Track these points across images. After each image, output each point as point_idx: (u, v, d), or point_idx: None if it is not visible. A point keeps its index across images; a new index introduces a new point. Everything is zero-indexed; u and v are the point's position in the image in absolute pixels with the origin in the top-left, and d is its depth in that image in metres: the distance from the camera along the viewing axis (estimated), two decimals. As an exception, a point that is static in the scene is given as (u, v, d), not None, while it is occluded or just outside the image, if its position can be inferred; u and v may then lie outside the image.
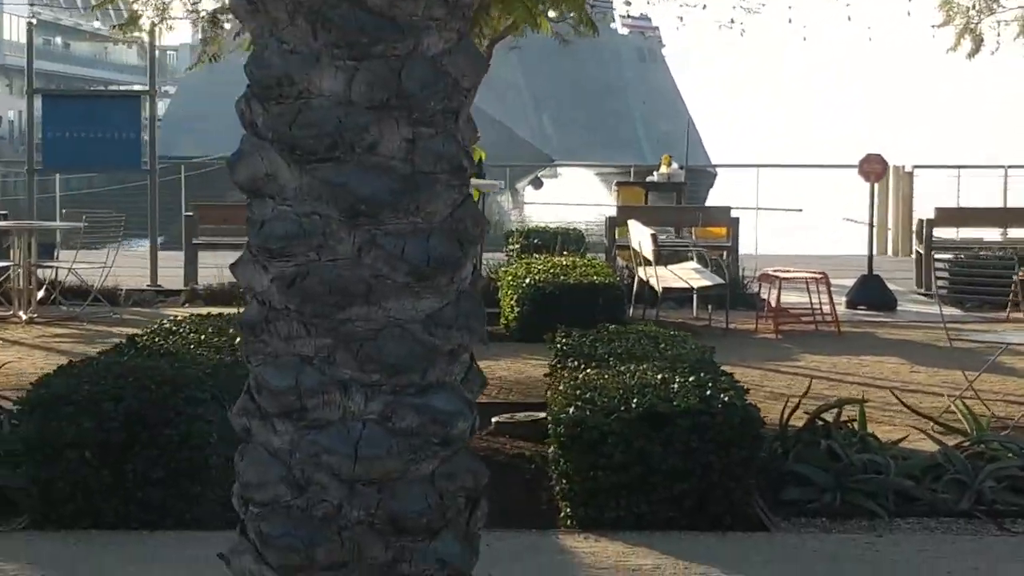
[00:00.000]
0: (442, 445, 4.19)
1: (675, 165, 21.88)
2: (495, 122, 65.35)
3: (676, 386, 7.87)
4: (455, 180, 4.21)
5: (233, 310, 15.86)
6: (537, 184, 67.76)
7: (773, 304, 15.52)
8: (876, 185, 18.78)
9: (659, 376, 8.12)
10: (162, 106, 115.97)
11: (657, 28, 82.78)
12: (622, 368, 8.54)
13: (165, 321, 10.25)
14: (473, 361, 4.33)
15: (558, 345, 10.21)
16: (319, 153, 4.11)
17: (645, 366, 8.49)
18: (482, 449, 9.82)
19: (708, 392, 7.76)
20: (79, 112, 19.68)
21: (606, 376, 8.27)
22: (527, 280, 14.67)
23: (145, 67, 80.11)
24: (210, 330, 9.59)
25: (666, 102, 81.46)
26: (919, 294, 18.91)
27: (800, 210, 36.64)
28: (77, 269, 16.38)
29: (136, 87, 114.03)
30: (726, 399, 7.69)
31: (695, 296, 15.78)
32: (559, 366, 9.53)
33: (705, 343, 10.30)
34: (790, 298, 15.94)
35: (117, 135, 19.50)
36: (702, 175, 49.67)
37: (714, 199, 41.28)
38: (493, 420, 10.39)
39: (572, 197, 51.85)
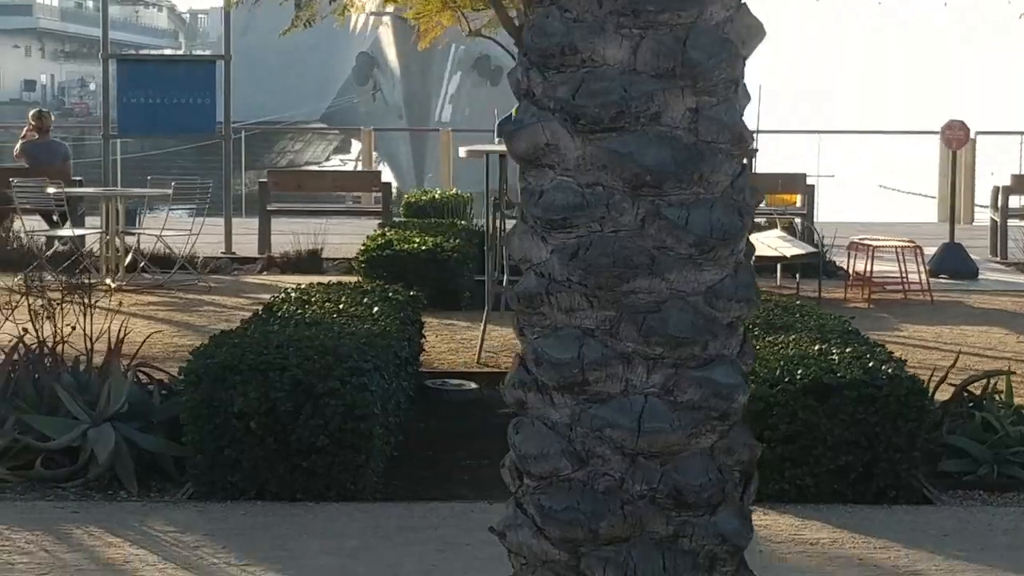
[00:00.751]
0: (721, 419, 4.15)
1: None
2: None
3: (835, 357, 7.82)
4: (735, 150, 4.16)
5: (328, 278, 15.89)
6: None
7: (863, 272, 15.43)
8: (952, 153, 18.67)
9: (816, 347, 8.07)
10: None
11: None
12: (770, 339, 8.49)
13: (289, 290, 10.21)
14: (746, 334, 4.28)
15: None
16: (603, 123, 4.05)
17: (794, 337, 8.44)
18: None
19: (871, 364, 7.70)
20: (154, 77, 19.65)
21: (758, 347, 8.20)
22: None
23: (175, 31, 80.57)
24: (343, 299, 9.57)
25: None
26: (996, 262, 18.80)
27: (832, 176, 36.48)
28: (164, 236, 16.33)
29: (167, 51, 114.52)
30: (890, 371, 7.64)
31: (779, 265, 15.71)
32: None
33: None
34: (875, 267, 15.82)
35: (192, 100, 19.47)
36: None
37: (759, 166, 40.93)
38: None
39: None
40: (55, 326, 8.53)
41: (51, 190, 16.46)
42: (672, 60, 4.05)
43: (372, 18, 62.84)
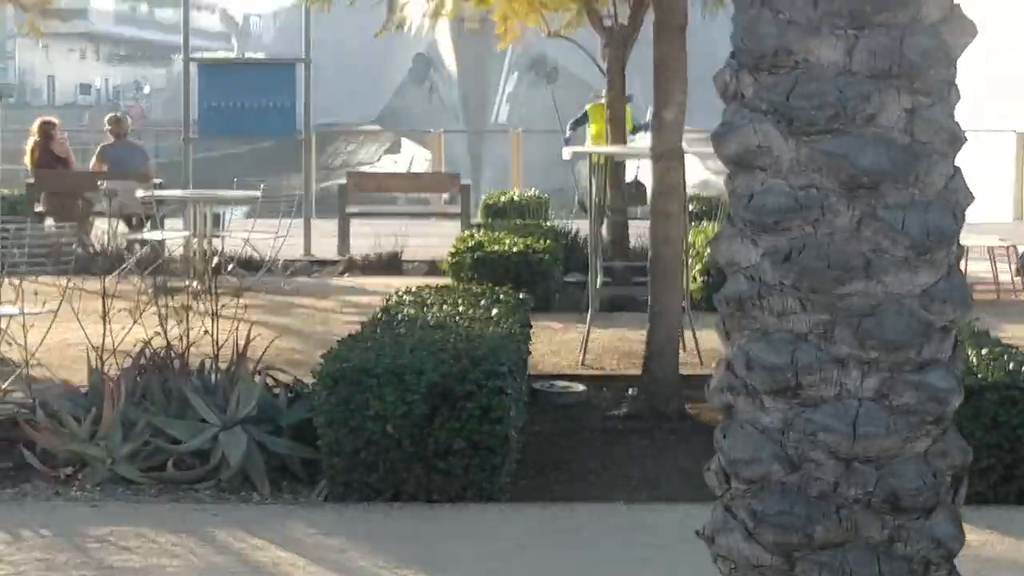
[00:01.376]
0: (936, 423, 4.11)
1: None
2: (584, 84, 64.99)
3: (974, 359, 7.75)
4: (950, 151, 4.11)
5: (412, 279, 15.91)
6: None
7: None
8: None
9: (950, 348, 7.99)
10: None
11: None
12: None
13: (402, 292, 10.21)
14: (957, 337, 4.23)
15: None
16: (818, 124, 4.02)
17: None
18: (716, 423, 9.75)
19: (1010, 365, 7.64)
20: (235, 81, 19.71)
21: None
22: (708, 249, 14.53)
23: (227, 33, 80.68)
24: (460, 301, 9.55)
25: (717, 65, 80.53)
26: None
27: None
28: (251, 239, 16.37)
29: (220, 53, 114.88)
30: (1031, 373, 7.58)
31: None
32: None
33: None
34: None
35: (272, 103, 19.51)
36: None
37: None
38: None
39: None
40: (182, 330, 8.53)
41: (140, 193, 16.51)
42: (888, 61, 4.01)
43: (428, 18, 62.97)
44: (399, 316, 9.01)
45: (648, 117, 19.17)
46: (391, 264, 18.30)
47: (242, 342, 8.63)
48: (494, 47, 57.67)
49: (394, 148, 73.77)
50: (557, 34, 18.07)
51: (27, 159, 19.64)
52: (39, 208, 19.18)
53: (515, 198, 19.96)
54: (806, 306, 4.05)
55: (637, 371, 10.92)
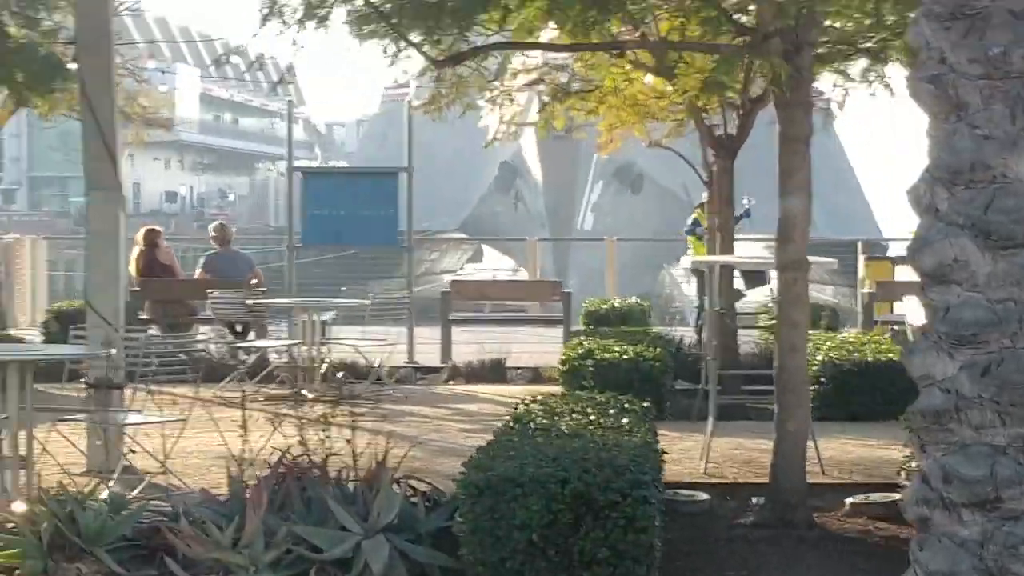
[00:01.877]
0: None
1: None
2: (668, 193, 65.13)
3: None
4: None
5: (531, 388, 15.96)
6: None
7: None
8: None
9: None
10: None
11: (829, 98, 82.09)
12: None
13: (528, 400, 10.26)
14: None
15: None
16: (1017, 238, 4.05)
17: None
18: (848, 531, 9.72)
19: None
20: (338, 189, 19.94)
21: None
22: (818, 356, 14.52)
23: (311, 142, 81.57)
24: (588, 410, 9.60)
25: (838, 174, 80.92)
26: None
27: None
28: (360, 347, 16.49)
29: (302, 162, 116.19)
30: None
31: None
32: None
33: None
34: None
35: (375, 212, 19.71)
36: (875, 248, 49.16)
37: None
38: (847, 501, 10.29)
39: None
40: (321, 439, 8.62)
41: (249, 301, 16.69)
42: (1087, 176, 4.05)
43: (538, 129, 63.43)
44: (532, 424, 9.04)
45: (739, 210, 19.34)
46: (495, 371, 18.38)
47: (377, 450, 8.67)
48: (580, 155, 58.25)
49: (476, 256, 74.16)
50: (657, 144, 18.21)
51: (132, 267, 19.88)
52: (143, 315, 19.41)
53: (616, 305, 20.02)
54: (1005, 420, 4.07)
55: (759, 480, 10.92)
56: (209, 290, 17.58)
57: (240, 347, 17.20)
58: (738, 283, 18.14)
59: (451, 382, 18.11)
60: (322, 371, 16.41)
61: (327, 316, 17.78)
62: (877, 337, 15.99)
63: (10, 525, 8.11)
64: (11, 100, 15.69)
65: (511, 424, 9.24)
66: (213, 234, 20.53)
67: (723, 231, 15.44)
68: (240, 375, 16.12)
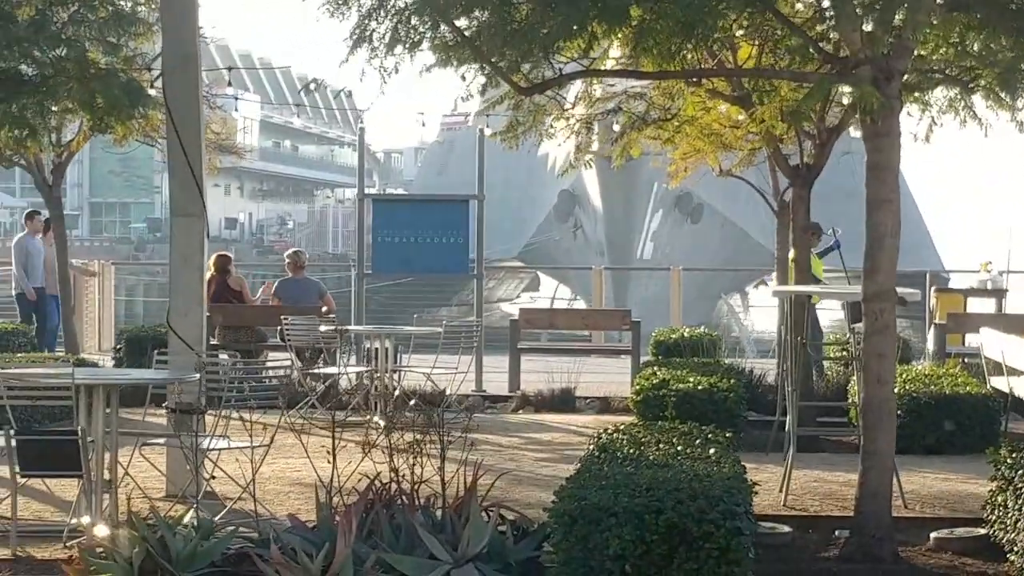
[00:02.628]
0: None
1: (994, 270, 21.50)
2: (728, 223, 65.06)
3: None
4: None
5: (608, 417, 15.92)
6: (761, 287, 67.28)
7: None
8: None
9: None
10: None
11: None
12: None
13: (610, 429, 10.24)
14: None
15: (1007, 460, 9.91)
16: None
17: None
18: (934, 566, 9.63)
19: None
20: (409, 217, 19.97)
21: None
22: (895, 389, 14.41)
23: (369, 169, 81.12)
24: (673, 440, 9.56)
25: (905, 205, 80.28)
26: None
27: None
28: (433, 375, 16.49)
29: (368, 189, 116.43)
30: None
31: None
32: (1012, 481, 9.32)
33: None
34: None
35: (445, 239, 19.73)
36: (936, 279, 48.96)
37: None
38: (932, 536, 10.20)
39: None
40: (411, 465, 8.60)
41: (323, 328, 16.72)
42: None
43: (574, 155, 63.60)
44: (618, 454, 9.01)
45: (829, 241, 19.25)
46: (564, 400, 18.33)
47: (463, 479, 8.66)
48: (640, 184, 58.23)
49: (532, 285, 74.16)
50: (728, 173, 18.15)
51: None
52: (213, 341, 19.47)
53: (685, 335, 19.95)
54: None
55: (841, 513, 10.85)
56: (283, 316, 17.60)
57: (314, 374, 17.21)
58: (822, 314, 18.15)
59: (520, 411, 18.08)
60: (394, 398, 16.41)
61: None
62: (952, 370, 15.86)
63: (99, 550, 8.11)
64: (89, 125, 15.77)
65: (597, 453, 9.21)
66: (287, 261, 20.61)
67: (799, 261, 15.35)
68: (312, 401, 16.16)
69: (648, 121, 14.80)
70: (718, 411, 14.12)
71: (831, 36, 10.77)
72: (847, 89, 11.03)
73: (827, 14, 10.34)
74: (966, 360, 18.14)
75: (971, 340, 19.63)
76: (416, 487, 8.62)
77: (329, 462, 8.71)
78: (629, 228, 59.62)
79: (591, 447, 9.80)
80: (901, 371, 15.28)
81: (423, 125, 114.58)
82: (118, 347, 19.61)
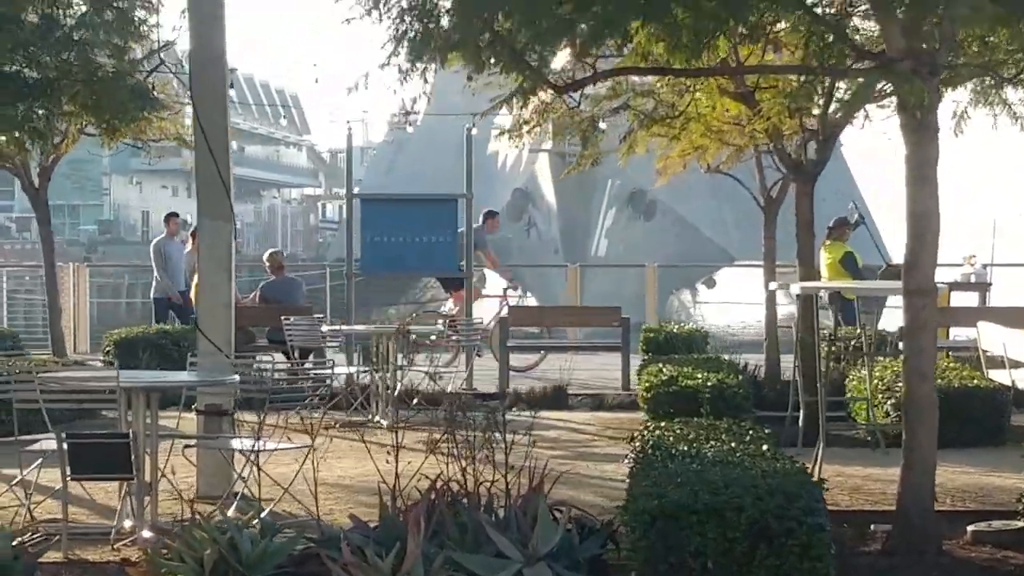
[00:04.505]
0: None
1: (978, 264, 21.63)
2: (681, 218, 65.19)
3: None
4: None
5: (604, 415, 15.96)
6: (710, 283, 67.49)
7: None
8: None
9: None
10: (334, 208, 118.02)
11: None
12: None
13: (652, 428, 10.25)
14: None
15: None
16: None
17: None
18: (976, 559, 9.67)
19: None
20: (397, 217, 19.91)
21: None
22: (899, 384, 14.47)
23: (315, 170, 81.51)
24: (724, 437, 9.58)
25: (845, 199, 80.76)
26: None
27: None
28: (435, 373, 16.47)
29: (307, 189, 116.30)
30: None
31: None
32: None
33: None
34: None
35: (434, 239, 19.71)
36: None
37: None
38: (968, 529, 10.24)
39: (742, 296, 51.29)
40: (474, 464, 8.58)
41: (325, 328, 16.68)
42: None
43: (527, 154, 63.69)
44: (674, 451, 9.00)
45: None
46: (557, 398, 18.31)
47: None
48: (595, 181, 58.25)
49: (479, 281, 74.06)
50: (716, 170, 18.18)
51: (193, 295, 19.89)
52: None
53: (675, 331, 20.00)
54: None
55: (871, 507, 10.91)
56: (283, 317, 17.52)
57: (317, 373, 17.12)
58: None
59: (514, 409, 18.04)
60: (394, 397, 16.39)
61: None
62: (952, 364, 15.92)
63: (164, 551, 8.05)
64: (96, 130, 15.60)
65: (651, 451, 9.21)
66: (268, 263, 20.54)
67: (803, 258, 15.38)
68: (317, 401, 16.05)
69: (655, 118, 14.78)
70: (728, 407, 14.14)
71: (862, 30, 10.81)
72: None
73: (861, 8, 10.38)
74: (950, 353, 18.21)
75: (955, 334, 19.77)
76: (478, 486, 8.59)
77: (389, 461, 8.69)
78: (584, 226, 59.71)
79: (635, 445, 9.81)
80: (891, 365, 15.31)
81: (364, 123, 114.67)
82: (107, 350, 19.44)
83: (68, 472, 9.18)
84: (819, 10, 10.07)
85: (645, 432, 10.18)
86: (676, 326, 20.59)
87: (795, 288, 13.38)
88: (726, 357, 17.38)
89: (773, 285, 14.03)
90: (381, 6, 10.13)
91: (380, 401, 16.24)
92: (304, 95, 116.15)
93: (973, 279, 21.28)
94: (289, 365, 18.57)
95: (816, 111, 14.79)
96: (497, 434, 8.75)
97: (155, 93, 14.59)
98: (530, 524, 8.25)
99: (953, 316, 18.83)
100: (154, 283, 23.20)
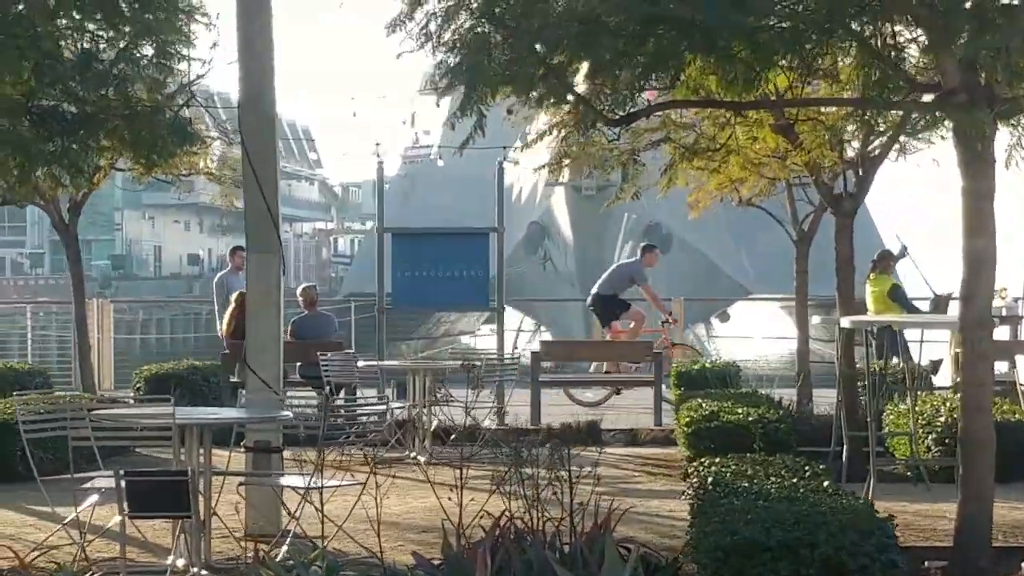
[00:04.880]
0: None
1: (1009, 297, 21.54)
2: (696, 251, 65.19)
3: None
4: None
5: (640, 450, 15.90)
6: (724, 317, 67.41)
7: None
8: None
9: None
10: (345, 242, 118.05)
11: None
12: None
13: (708, 464, 10.19)
14: None
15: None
16: None
17: None
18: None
19: None
20: (428, 251, 19.88)
21: None
22: (940, 418, 14.42)
23: (327, 204, 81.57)
24: (784, 473, 9.54)
25: (866, 232, 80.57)
26: None
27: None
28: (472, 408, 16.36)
29: (319, 224, 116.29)
30: None
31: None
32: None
33: None
34: None
35: (465, 273, 19.66)
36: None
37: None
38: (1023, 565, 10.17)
39: (759, 330, 51.17)
40: (539, 501, 8.53)
41: (361, 364, 16.63)
42: None
43: (543, 187, 63.73)
44: (736, 488, 8.94)
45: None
46: (590, 433, 18.23)
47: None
48: (610, 214, 58.29)
49: (492, 317, 74.01)
50: (749, 203, 18.16)
51: (223, 329, 19.83)
52: (234, 379, 19.33)
53: (707, 366, 19.93)
54: None
55: (923, 543, 10.83)
56: (319, 352, 17.46)
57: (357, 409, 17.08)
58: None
59: (547, 445, 17.95)
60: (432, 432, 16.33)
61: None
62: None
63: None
64: (135, 164, 15.56)
65: (712, 488, 9.14)
66: (300, 298, 20.47)
67: (842, 292, 15.30)
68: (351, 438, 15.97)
69: (696, 151, 14.75)
70: (770, 442, 14.05)
71: (912, 59, 10.75)
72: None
73: (910, 37, 10.33)
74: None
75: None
76: (544, 523, 8.53)
77: (405, 499, 8.61)
78: (600, 259, 59.62)
79: (692, 481, 9.75)
80: (941, 400, 15.22)
81: (378, 157, 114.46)
82: (137, 386, 19.38)
83: (125, 510, 9.11)
84: (874, 42, 9.97)
85: (701, 468, 10.11)
86: (709, 362, 20.50)
87: (845, 322, 13.31)
88: (763, 392, 17.32)
89: (846, 322, 13.90)
90: (435, 39, 10.12)
91: (417, 437, 16.15)
92: (315, 129, 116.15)
93: (1004, 312, 21.16)
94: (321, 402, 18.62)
95: (856, 144, 14.78)
96: (562, 471, 8.56)
97: (191, 128, 14.51)
98: (597, 562, 8.18)
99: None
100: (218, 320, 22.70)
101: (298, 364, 19.37)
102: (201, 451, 9.79)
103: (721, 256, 70.36)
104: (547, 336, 61.71)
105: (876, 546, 7.44)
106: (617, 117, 10.33)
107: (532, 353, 20.37)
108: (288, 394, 19.08)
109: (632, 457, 16.62)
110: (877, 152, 14.89)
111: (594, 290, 22.67)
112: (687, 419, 14.85)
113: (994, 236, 9.85)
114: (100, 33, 13.70)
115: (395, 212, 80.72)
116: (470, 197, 55.16)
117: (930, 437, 14.51)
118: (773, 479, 9.32)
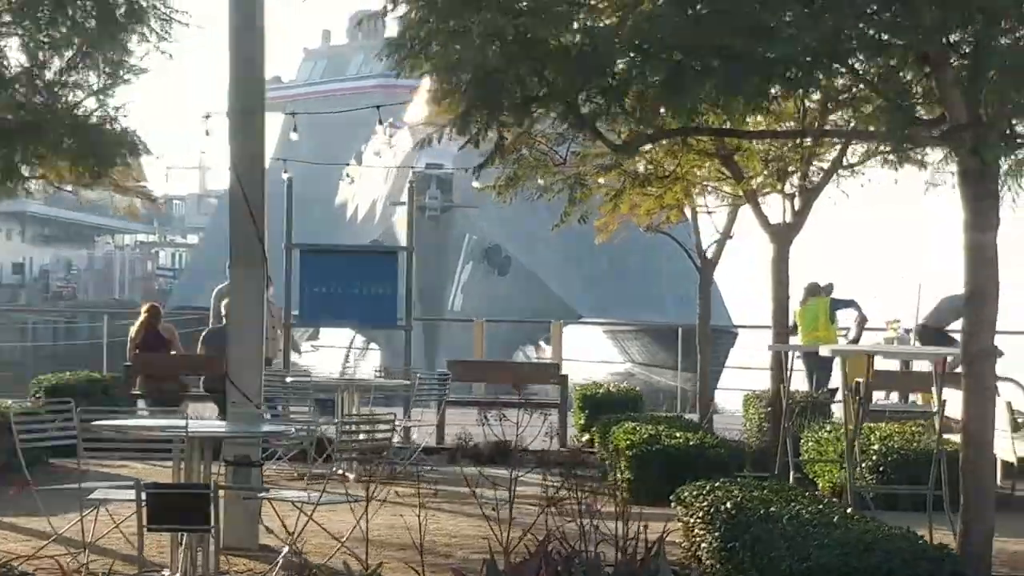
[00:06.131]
0: None
1: (902, 330, 21.92)
2: (529, 273, 65.43)
3: None
4: None
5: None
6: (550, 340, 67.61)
7: None
8: None
9: None
10: (167, 255, 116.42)
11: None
12: None
13: (707, 488, 10.24)
14: None
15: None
16: None
17: None
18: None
19: None
20: (338, 268, 19.74)
21: None
22: (874, 446, 14.61)
23: (152, 217, 79.57)
24: (804, 500, 9.59)
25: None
26: None
27: None
28: (407, 425, 16.32)
29: (140, 236, 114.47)
30: None
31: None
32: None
33: None
34: None
35: (374, 291, 19.55)
36: (723, 335, 49.58)
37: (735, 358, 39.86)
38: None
39: (583, 353, 51.59)
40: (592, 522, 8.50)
41: (289, 379, 16.45)
42: None
43: (385, 206, 63.50)
44: (767, 514, 8.96)
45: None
46: (501, 454, 18.16)
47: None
48: (452, 236, 58.24)
49: (313, 334, 73.54)
50: (656, 229, 18.29)
51: (131, 341, 19.55)
52: (135, 391, 19.02)
53: (611, 390, 20.05)
54: None
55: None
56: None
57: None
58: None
59: (459, 464, 17.90)
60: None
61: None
62: (916, 428, 15.99)
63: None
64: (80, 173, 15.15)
65: (731, 511, 9.18)
66: (224, 312, 20.18)
67: (776, 319, 15.48)
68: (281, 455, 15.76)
69: (645, 179, 14.81)
70: (709, 467, 14.11)
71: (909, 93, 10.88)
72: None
73: (918, 75, 10.45)
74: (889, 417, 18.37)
75: (886, 396, 20.06)
76: (585, 543, 8.49)
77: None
78: (440, 280, 59.65)
79: (704, 507, 9.78)
80: (872, 429, 15.34)
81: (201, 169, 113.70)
82: (36, 395, 18.86)
83: (145, 523, 8.88)
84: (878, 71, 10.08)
85: (700, 494, 10.16)
86: (612, 385, 20.66)
87: (824, 350, 13.45)
88: (688, 416, 17.45)
89: (825, 350, 14.05)
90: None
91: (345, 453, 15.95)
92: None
93: (896, 344, 21.51)
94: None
95: (797, 175, 14.99)
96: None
97: (137, 138, 14.19)
98: (649, 583, 8.17)
99: (889, 380, 19.07)
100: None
101: (201, 377, 19.10)
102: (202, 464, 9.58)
103: (554, 279, 70.55)
104: (377, 355, 61.55)
105: (949, 573, 7.52)
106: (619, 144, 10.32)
107: (440, 373, 20.27)
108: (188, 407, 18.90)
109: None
110: (817, 182, 15.11)
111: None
112: (626, 442, 14.85)
113: (996, 269, 9.99)
114: (45, 40, 13.36)
115: (220, 227, 79.97)
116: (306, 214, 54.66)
117: (864, 464, 14.64)
118: (794, 504, 9.35)
